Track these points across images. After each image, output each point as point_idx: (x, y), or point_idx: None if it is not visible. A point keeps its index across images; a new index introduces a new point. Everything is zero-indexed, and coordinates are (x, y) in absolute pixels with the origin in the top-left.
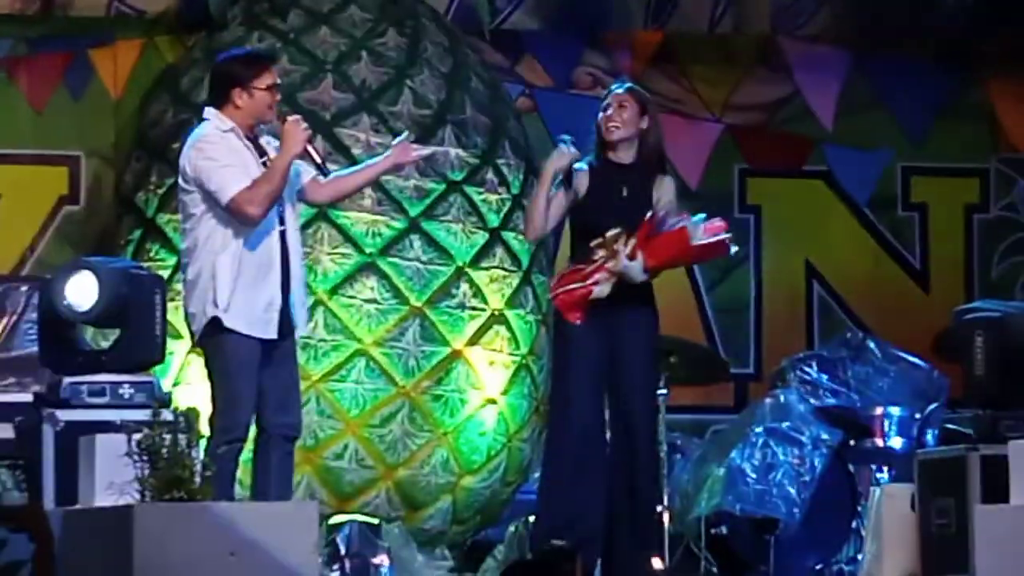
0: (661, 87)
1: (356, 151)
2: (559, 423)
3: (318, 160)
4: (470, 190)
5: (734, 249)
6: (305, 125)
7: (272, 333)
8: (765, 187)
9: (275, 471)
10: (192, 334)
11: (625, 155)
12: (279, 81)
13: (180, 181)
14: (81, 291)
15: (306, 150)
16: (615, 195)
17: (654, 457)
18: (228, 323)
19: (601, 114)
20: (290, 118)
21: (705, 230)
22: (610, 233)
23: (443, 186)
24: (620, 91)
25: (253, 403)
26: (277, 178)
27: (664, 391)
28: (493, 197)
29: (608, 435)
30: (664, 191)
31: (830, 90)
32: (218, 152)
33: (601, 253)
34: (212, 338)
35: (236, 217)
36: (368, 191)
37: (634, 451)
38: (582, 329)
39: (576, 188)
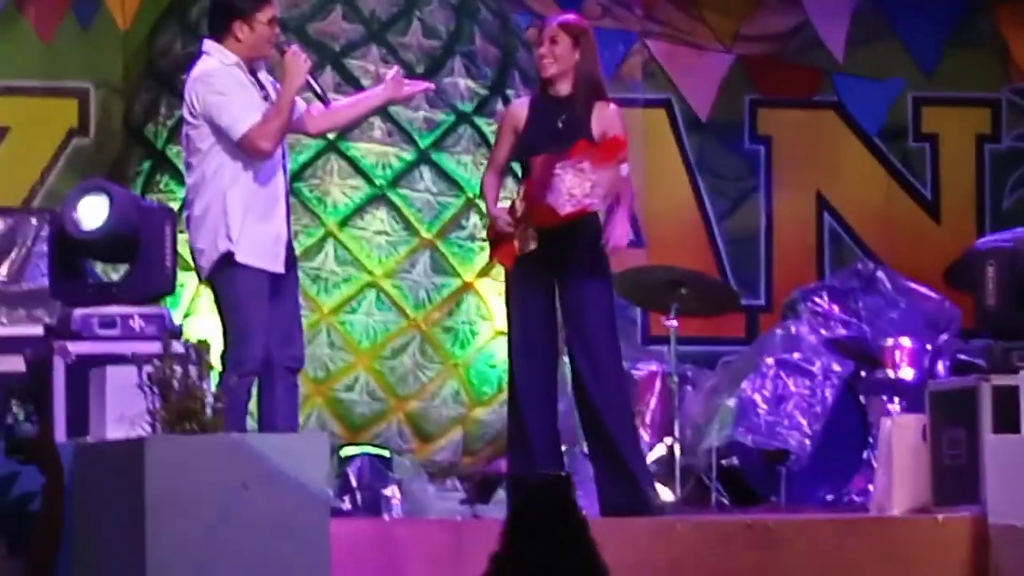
0: (671, 17)
1: (365, 82)
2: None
3: (319, 91)
4: (480, 121)
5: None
6: (305, 56)
7: (280, 267)
8: (776, 118)
9: (280, 403)
10: (199, 269)
11: (563, 87)
12: (279, 15)
13: (186, 115)
14: (92, 211)
15: (308, 81)
16: (551, 126)
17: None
18: (240, 257)
19: (536, 50)
20: (290, 49)
21: (570, 199)
22: (520, 191)
23: (453, 117)
24: (551, 26)
25: (265, 335)
26: (286, 111)
27: (674, 322)
28: None
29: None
30: (606, 121)
31: (841, 20)
32: (227, 86)
33: (519, 205)
34: (223, 272)
35: (248, 152)
36: (377, 122)
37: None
38: (527, 274)
39: (516, 123)
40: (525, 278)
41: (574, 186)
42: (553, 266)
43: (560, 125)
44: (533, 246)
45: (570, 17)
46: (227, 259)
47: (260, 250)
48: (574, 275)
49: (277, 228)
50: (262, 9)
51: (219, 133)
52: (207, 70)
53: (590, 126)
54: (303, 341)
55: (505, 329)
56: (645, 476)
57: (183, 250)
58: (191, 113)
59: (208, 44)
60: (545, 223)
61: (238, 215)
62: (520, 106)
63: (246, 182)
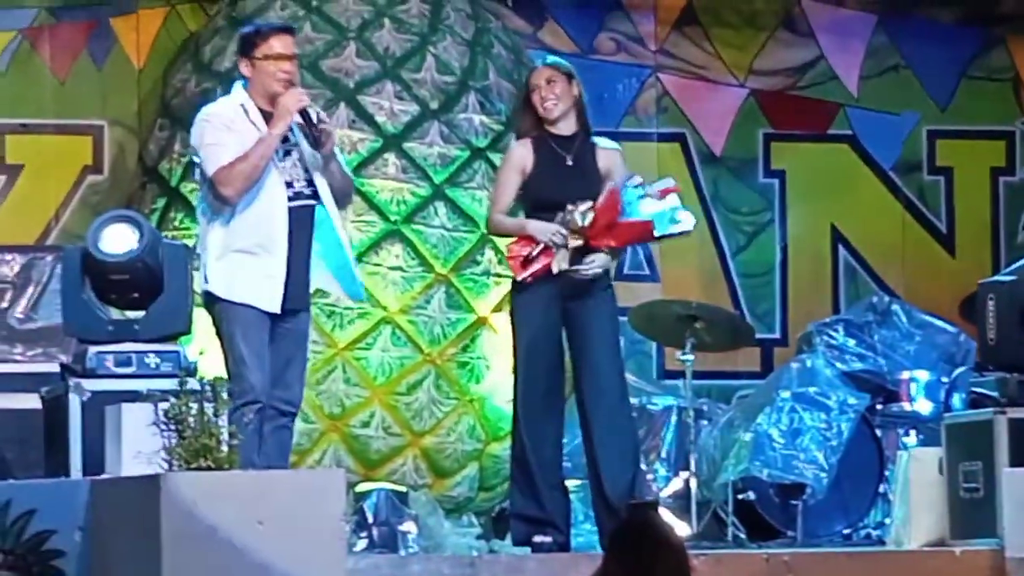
0: (685, 52)
1: (380, 119)
2: (522, 391)
3: (315, 132)
4: (494, 156)
5: (691, 228)
6: (301, 94)
7: (272, 306)
8: (790, 152)
9: (267, 442)
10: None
11: (565, 126)
12: (285, 52)
13: (192, 154)
14: (121, 239)
15: (303, 121)
16: (560, 165)
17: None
18: (221, 294)
19: (534, 95)
20: (289, 90)
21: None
22: (579, 209)
23: (467, 153)
24: (544, 68)
25: (260, 365)
26: (255, 155)
27: (690, 357)
28: None
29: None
30: (613, 163)
31: (855, 54)
32: (214, 126)
33: (564, 232)
34: (213, 308)
35: (214, 194)
36: (392, 158)
37: (604, 405)
38: (536, 303)
39: (523, 165)
40: (534, 303)
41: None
42: (563, 292)
43: (569, 163)
44: (565, 266)
45: (558, 59)
46: (211, 296)
47: (246, 287)
48: (583, 299)
49: (271, 268)
50: (261, 46)
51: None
52: (208, 108)
53: (596, 162)
54: (301, 386)
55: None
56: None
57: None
58: (192, 147)
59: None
60: (629, 241)
61: (215, 253)
62: (524, 147)
63: (232, 219)
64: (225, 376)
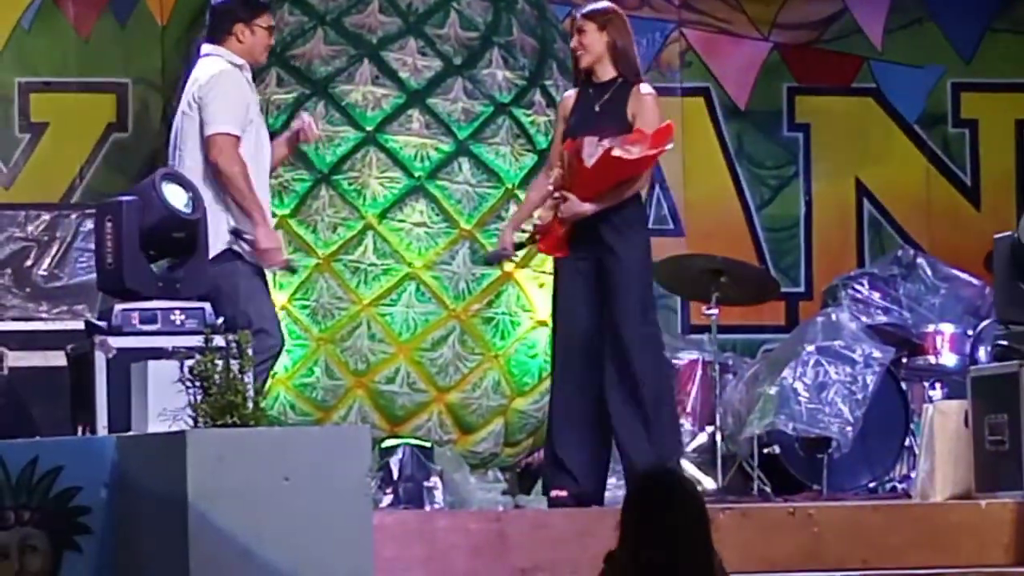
0: (709, 6)
1: (403, 74)
2: (554, 354)
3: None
4: (518, 112)
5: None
6: (311, 126)
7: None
8: (814, 105)
9: None
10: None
11: (603, 73)
12: (272, 25)
13: (184, 107)
14: (177, 197)
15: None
16: (590, 111)
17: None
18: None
19: (570, 45)
20: (308, 124)
21: (629, 143)
22: (554, 171)
23: (491, 108)
24: (577, 18)
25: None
26: (248, 199)
27: (715, 310)
28: (541, 119)
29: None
30: (639, 105)
31: (879, 7)
32: (228, 85)
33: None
34: (231, 264)
35: (205, 150)
36: (416, 114)
37: (626, 375)
38: (568, 263)
39: (565, 113)
40: (571, 272)
41: (628, 144)
42: (595, 252)
43: (597, 109)
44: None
45: (595, 5)
46: (231, 253)
47: (266, 243)
48: (612, 256)
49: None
50: (262, 15)
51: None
52: (213, 73)
53: (626, 109)
54: None
55: (547, 319)
56: (670, 448)
57: None
58: (190, 105)
59: (209, 47)
60: (599, 183)
61: (241, 210)
62: (568, 97)
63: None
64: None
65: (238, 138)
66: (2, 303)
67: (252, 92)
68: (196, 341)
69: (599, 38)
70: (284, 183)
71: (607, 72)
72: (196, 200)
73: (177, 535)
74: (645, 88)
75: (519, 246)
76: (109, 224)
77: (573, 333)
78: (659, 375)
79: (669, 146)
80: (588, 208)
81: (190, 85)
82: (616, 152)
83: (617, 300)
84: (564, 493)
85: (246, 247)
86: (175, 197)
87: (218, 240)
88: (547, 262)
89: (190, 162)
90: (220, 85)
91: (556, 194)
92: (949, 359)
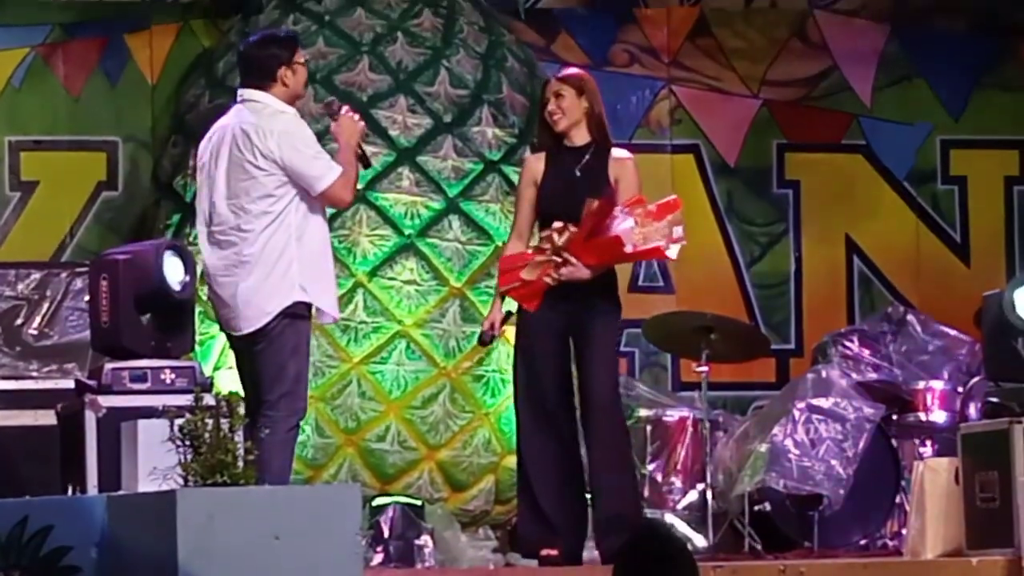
0: (698, 64)
1: (393, 132)
2: (521, 407)
3: (365, 152)
4: (507, 169)
5: (672, 249)
6: (358, 116)
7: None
8: (804, 162)
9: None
10: (246, 317)
11: (577, 137)
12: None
13: (256, 162)
14: (175, 273)
15: (359, 143)
16: (569, 175)
17: (616, 435)
18: (302, 305)
19: (545, 107)
20: (344, 110)
21: (643, 234)
22: (555, 227)
23: (480, 166)
24: (553, 80)
25: None
26: (354, 165)
27: (705, 367)
28: None
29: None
30: (622, 172)
31: (868, 64)
32: (308, 139)
33: (546, 246)
34: (287, 320)
35: (331, 203)
36: (406, 172)
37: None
38: (541, 316)
39: (535, 177)
40: (541, 325)
41: (640, 227)
42: (568, 312)
43: (578, 173)
44: (551, 282)
45: (570, 70)
46: (297, 307)
47: (332, 300)
48: (586, 316)
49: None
50: (298, 50)
51: (290, 183)
52: (288, 124)
53: (607, 173)
54: None
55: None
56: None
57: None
58: (264, 158)
59: (261, 95)
60: (603, 259)
61: (313, 264)
62: (537, 160)
63: (316, 232)
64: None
65: (343, 175)
66: None
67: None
68: (186, 400)
69: (577, 103)
70: None
71: (582, 136)
72: (191, 282)
73: None
74: (622, 152)
75: (507, 317)
76: (104, 282)
77: (544, 387)
78: (626, 436)
79: (674, 247)
80: (587, 275)
81: (252, 136)
82: (647, 246)
83: (592, 359)
84: (555, 552)
85: (315, 306)
86: (173, 272)
87: (283, 289)
88: None
89: (256, 211)
90: (300, 138)
91: (556, 257)
92: (939, 416)
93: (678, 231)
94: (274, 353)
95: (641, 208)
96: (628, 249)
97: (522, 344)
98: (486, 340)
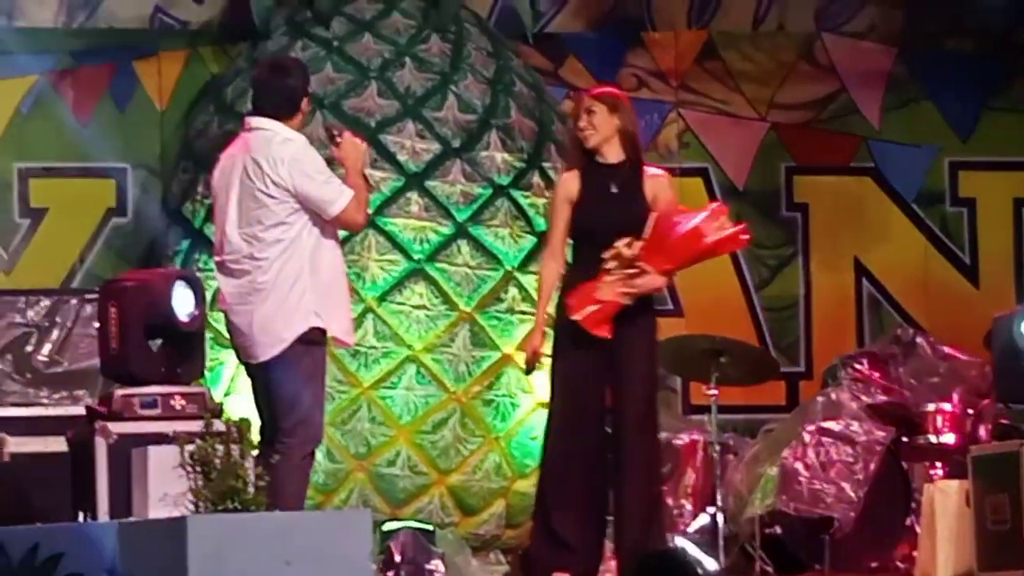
0: (706, 87)
1: (402, 158)
2: (555, 435)
3: (369, 179)
4: (516, 194)
5: (743, 235)
6: (360, 139)
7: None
8: (812, 185)
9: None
10: (262, 344)
11: (610, 155)
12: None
13: (268, 190)
14: (184, 304)
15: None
16: (606, 192)
17: (647, 467)
18: (331, 332)
19: (575, 125)
20: (348, 134)
21: (716, 226)
22: (621, 243)
23: (490, 191)
24: (585, 97)
25: None
26: (364, 187)
27: (715, 391)
28: (540, 200)
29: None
30: (659, 189)
31: (876, 87)
32: (320, 166)
33: (613, 264)
34: (304, 347)
35: (345, 227)
36: (415, 197)
37: (625, 458)
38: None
39: (570, 195)
40: (580, 345)
41: (713, 219)
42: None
43: (615, 190)
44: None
45: (604, 88)
46: (312, 333)
47: (347, 325)
48: (626, 337)
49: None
50: (309, 81)
51: (302, 210)
52: (298, 151)
53: (643, 191)
54: None
55: (546, 400)
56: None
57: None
58: (276, 186)
59: (269, 123)
60: (680, 259)
61: (327, 291)
62: (571, 178)
63: (329, 257)
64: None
65: (355, 198)
66: (2, 389)
67: None
68: (196, 426)
69: (609, 120)
70: None
71: (615, 154)
72: (199, 314)
73: None
74: (656, 170)
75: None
76: (113, 309)
77: (577, 406)
78: (658, 461)
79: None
80: (662, 283)
81: (263, 165)
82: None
83: (627, 381)
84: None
85: (329, 331)
86: (182, 304)
87: (298, 316)
88: (547, 345)
89: (269, 239)
90: (311, 164)
91: (631, 265)
92: (949, 438)
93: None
94: (290, 380)
95: (698, 212)
96: (709, 240)
97: (561, 362)
98: (531, 368)
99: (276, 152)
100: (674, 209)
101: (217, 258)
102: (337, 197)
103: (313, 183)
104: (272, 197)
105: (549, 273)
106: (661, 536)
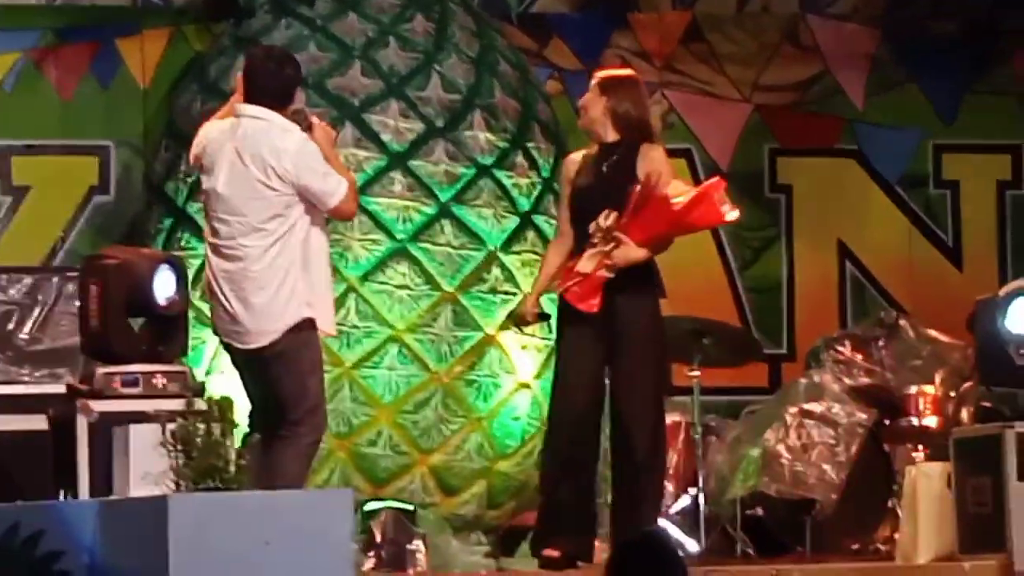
0: (690, 68)
1: (385, 137)
2: (557, 414)
3: None
4: (500, 174)
5: (730, 213)
6: (328, 124)
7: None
8: (796, 167)
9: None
10: (254, 332)
11: (606, 135)
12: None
13: (266, 180)
14: (166, 288)
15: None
16: (598, 170)
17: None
18: (320, 322)
19: None
20: (315, 119)
21: (697, 198)
22: (601, 217)
23: (473, 170)
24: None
25: None
26: (350, 175)
27: (697, 372)
28: (523, 181)
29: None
30: (649, 161)
31: (860, 69)
32: (318, 158)
33: (597, 238)
34: (300, 336)
35: (340, 216)
36: (398, 176)
37: (625, 436)
38: (582, 317)
39: (569, 176)
40: (580, 325)
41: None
42: (607, 308)
43: (605, 169)
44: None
45: (609, 71)
46: (304, 323)
47: (331, 316)
48: (623, 316)
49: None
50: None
51: (298, 200)
52: (299, 143)
53: (635, 168)
54: None
55: (529, 382)
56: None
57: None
58: (280, 179)
59: (263, 111)
60: (654, 229)
61: (316, 281)
62: (571, 161)
63: (320, 248)
64: (234, 396)
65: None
66: None
67: None
68: (178, 404)
69: (598, 101)
70: None
71: (609, 134)
72: (179, 299)
73: None
74: (652, 145)
75: (542, 316)
76: (95, 287)
77: (578, 386)
78: (655, 442)
79: (728, 211)
80: (642, 254)
81: (266, 156)
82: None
83: (628, 362)
84: (556, 554)
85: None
86: (163, 287)
87: (291, 306)
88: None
89: (264, 229)
90: (313, 157)
91: (608, 238)
92: (931, 421)
93: (726, 205)
94: (296, 372)
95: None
96: (677, 205)
97: (562, 343)
98: (517, 323)
99: (278, 143)
100: (664, 182)
101: (212, 240)
102: (336, 189)
103: (316, 176)
104: (272, 189)
105: (550, 253)
106: (650, 517)
